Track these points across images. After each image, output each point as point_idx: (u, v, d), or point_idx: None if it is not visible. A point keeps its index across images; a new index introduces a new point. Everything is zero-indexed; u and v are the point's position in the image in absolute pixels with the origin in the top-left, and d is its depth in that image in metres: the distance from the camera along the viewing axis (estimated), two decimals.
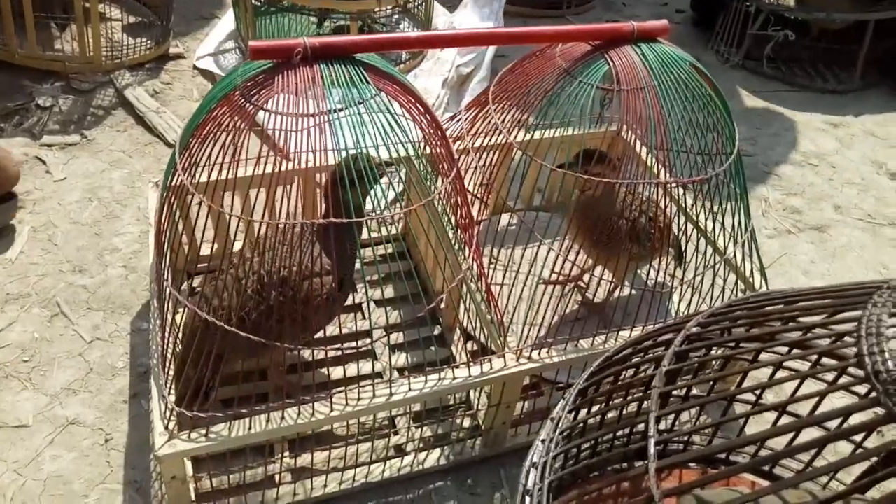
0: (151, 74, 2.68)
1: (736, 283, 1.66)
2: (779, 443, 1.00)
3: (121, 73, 2.60)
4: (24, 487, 1.43)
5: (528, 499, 0.99)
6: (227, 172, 1.24)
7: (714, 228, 1.67)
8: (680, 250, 1.74)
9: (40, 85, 2.49)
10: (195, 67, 2.76)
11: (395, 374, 1.66)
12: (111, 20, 2.78)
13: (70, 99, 2.47)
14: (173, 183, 1.31)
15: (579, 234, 1.62)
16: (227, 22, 2.99)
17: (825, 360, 0.97)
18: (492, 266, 1.86)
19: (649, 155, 1.38)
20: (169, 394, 1.25)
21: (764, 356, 1.03)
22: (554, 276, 1.56)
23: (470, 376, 1.37)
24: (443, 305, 1.79)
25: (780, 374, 1.06)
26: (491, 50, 2.77)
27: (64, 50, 2.60)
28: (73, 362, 1.67)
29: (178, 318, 1.40)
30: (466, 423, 1.59)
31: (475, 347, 1.71)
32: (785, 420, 1.13)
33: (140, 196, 2.14)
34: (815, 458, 1.16)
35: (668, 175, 1.39)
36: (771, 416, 1.27)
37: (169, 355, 1.31)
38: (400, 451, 1.53)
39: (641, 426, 1.21)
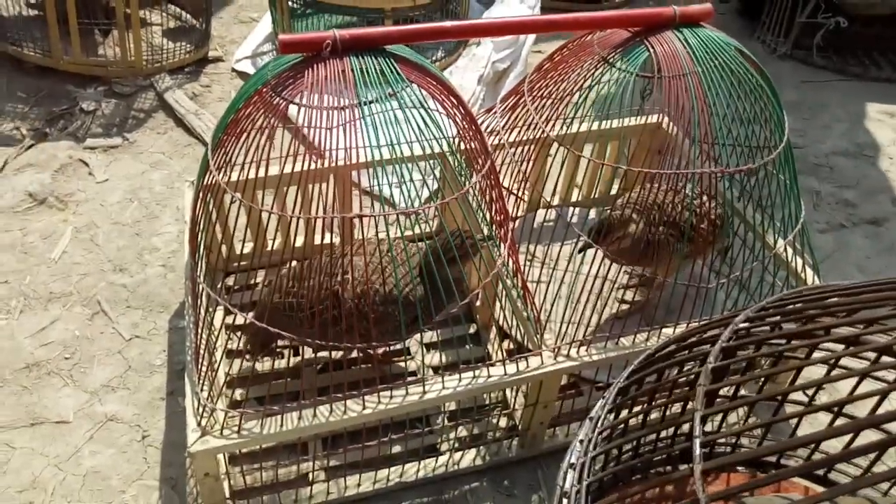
0: (191, 77, 2.71)
1: (787, 279, 1.58)
2: (834, 447, 0.93)
3: (161, 77, 2.64)
4: (65, 482, 1.45)
5: (565, 501, 0.95)
6: (259, 170, 1.23)
7: (763, 222, 1.59)
8: (724, 243, 1.67)
9: (84, 90, 2.54)
10: (233, 70, 2.79)
11: (430, 372, 1.63)
12: (152, 25, 2.84)
13: (112, 103, 2.52)
14: (207, 180, 1.31)
15: (619, 261, 1.61)
16: (264, 25, 3.02)
17: (885, 359, 0.91)
18: (529, 263, 1.82)
19: (693, 145, 1.31)
20: (202, 390, 1.24)
21: (818, 354, 0.96)
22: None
23: (505, 374, 1.33)
24: (478, 303, 1.75)
25: (836, 372, 0.99)
26: (527, 45, 2.72)
27: (106, 55, 2.65)
28: (113, 360, 1.69)
29: (210, 316, 1.40)
30: (503, 422, 1.55)
31: (511, 346, 1.67)
32: (840, 422, 1.07)
33: (179, 196, 2.16)
34: (874, 464, 1.08)
35: (713, 165, 1.33)
36: (825, 418, 1.19)
37: (202, 351, 1.31)
38: (435, 451, 1.50)
39: (685, 427, 1.16)
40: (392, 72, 1.21)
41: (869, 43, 3.11)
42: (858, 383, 0.97)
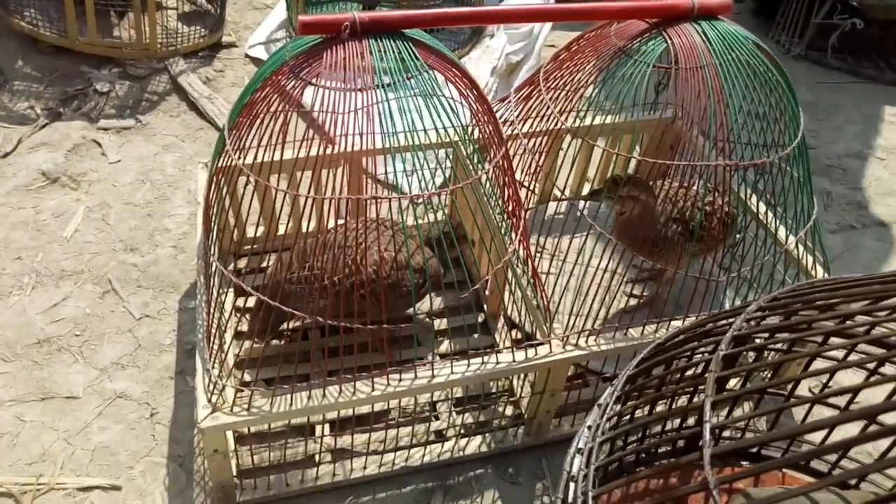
0: (204, 62, 2.72)
1: (797, 276, 1.58)
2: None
3: (175, 61, 2.65)
4: (74, 456, 1.46)
5: (572, 485, 0.96)
6: (274, 152, 1.24)
7: (775, 218, 1.59)
8: (734, 239, 1.67)
9: (98, 71, 2.55)
10: (247, 56, 2.80)
11: (438, 359, 1.64)
12: (167, 8, 2.84)
13: (126, 84, 2.53)
14: (222, 158, 1.32)
15: (628, 249, 1.59)
16: (279, 11, 3.02)
17: None
18: (538, 255, 1.82)
19: (707, 139, 1.31)
20: (213, 367, 1.25)
21: (832, 344, 0.96)
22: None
23: (514, 361, 1.34)
24: (487, 292, 1.75)
25: (851, 358, 0.99)
26: (541, 38, 2.72)
27: (121, 37, 2.66)
28: (123, 338, 1.70)
29: (222, 296, 1.41)
30: (509, 411, 1.56)
31: (519, 336, 1.67)
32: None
33: (191, 179, 2.17)
34: (885, 454, 1.08)
35: (727, 158, 1.33)
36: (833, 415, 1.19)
37: (213, 330, 1.32)
38: (441, 437, 1.51)
39: (691, 420, 1.17)
40: (410, 56, 1.21)
41: (885, 46, 3.09)
42: (870, 375, 0.97)
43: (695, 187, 1.59)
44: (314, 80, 1.20)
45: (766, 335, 0.92)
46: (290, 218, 1.83)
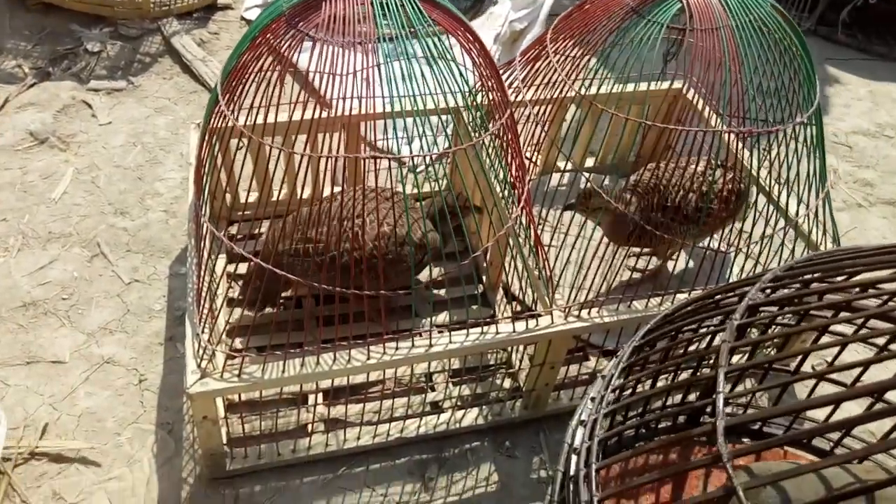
0: (199, 24, 2.64)
1: (805, 251, 1.54)
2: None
3: (169, 21, 2.57)
4: (59, 422, 1.42)
5: (574, 457, 0.92)
6: (268, 112, 1.19)
7: (787, 189, 1.54)
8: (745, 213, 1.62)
9: (89, 30, 2.47)
10: (243, 18, 2.72)
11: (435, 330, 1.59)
12: None
13: (118, 45, 2.45)
14: (215, 116, 1.26)
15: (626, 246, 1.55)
16: None
17: None
18: (540, 227, 1.77)
19: (721, 101, 1.26)
20: (203, 332, 1.21)
21: (841, 320, 0.92)
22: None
23: (514, 332, 1.30)
24: (487, 263, 1.71)
25: (863, 332, 0.95)
26: (546, 6, 2.65)
27: None
28: (111, 302, 1.65)
29: (213, 260, 1.36)
30: (507, 383, 1.52)
31: (519, 309, 1.63)
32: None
33: (183, 143, 2.11)
34: (892, 432, 1.05)
35: (741, 124, 1.28)
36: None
37: (204, 294, 1.27)
38: (437, 409, 1.47)
39: (692, 396, 1.13)
40: (414, 9, 1.15)
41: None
42: (885, 346, 0.93)
43: (697, 167, 1.53)
44: (311, 33, 1.14)
45: (776, 308, 0.88)
46: (284, 181, 1.77)
